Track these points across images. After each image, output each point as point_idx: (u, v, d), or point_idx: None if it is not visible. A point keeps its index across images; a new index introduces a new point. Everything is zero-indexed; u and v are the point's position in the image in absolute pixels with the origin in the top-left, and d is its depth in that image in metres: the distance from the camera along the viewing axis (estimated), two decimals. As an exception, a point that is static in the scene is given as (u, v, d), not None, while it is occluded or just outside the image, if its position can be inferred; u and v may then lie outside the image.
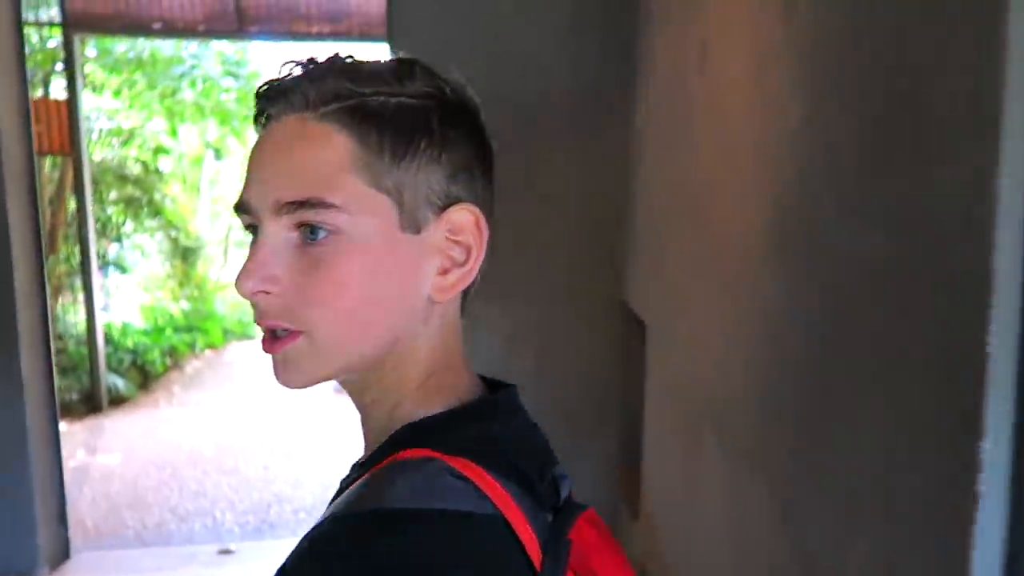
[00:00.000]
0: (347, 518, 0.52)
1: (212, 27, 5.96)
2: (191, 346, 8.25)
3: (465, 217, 0.61)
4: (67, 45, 5.89)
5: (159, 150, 9.08)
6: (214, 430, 5.94)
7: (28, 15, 5.68)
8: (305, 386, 0.62)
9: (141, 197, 8.53)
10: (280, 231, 0.59)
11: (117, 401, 6.50)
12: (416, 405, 0.62)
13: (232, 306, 9.58)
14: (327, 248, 0.58)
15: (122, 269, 8.80)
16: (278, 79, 0.61)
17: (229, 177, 10.94)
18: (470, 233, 0.62)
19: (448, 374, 0.64)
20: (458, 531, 0.53)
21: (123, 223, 8.63)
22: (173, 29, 5.99)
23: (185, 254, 9.33)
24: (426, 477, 0.55)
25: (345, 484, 0.62)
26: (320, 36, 5.89)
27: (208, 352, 8.54)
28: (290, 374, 0.61)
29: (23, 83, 2.84)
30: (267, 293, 0.59)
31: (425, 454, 0.56)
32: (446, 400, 0.63)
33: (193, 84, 8.89)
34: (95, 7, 5.88)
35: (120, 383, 6.63)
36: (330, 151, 0.58)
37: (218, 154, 10.56)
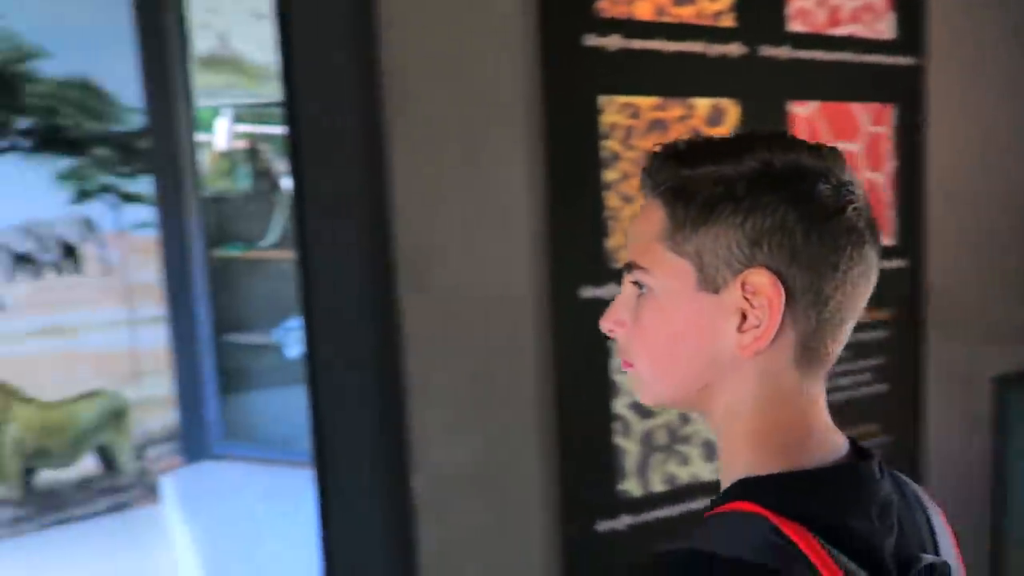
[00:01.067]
0: (672, 553, 0.60)
1: None
2: None
3: (759, 280, 0.63)
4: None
5: None
6: None
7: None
8: (648, 405, 0.76)
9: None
10: (628, 285, 0.70)
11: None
12: (750, 460, 0.65)
13: None
14: (643, 302, 0.68)
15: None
16: (644, 166, 0.70)
17: None
18: (764, 295, 0.63)
19: (782, 435, 0.65)
20: None
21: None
22: None
23: None
24: (746, 530, 0.60)
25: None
26: None
27: None
28: (634, 394, 0.73)
29: None
30: (612, 331, 0.71)
31: (754, 509, 0.60)
32: (780, 460, 0.64)
33: None
34: None
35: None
36: (650, 223, 0.67)
37: None
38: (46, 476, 3.07)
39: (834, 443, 0.66)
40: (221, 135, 3.60)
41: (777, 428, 0.65)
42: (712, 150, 0.67)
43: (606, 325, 0.72)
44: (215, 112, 3.49)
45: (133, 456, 3.21)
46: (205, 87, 3.10)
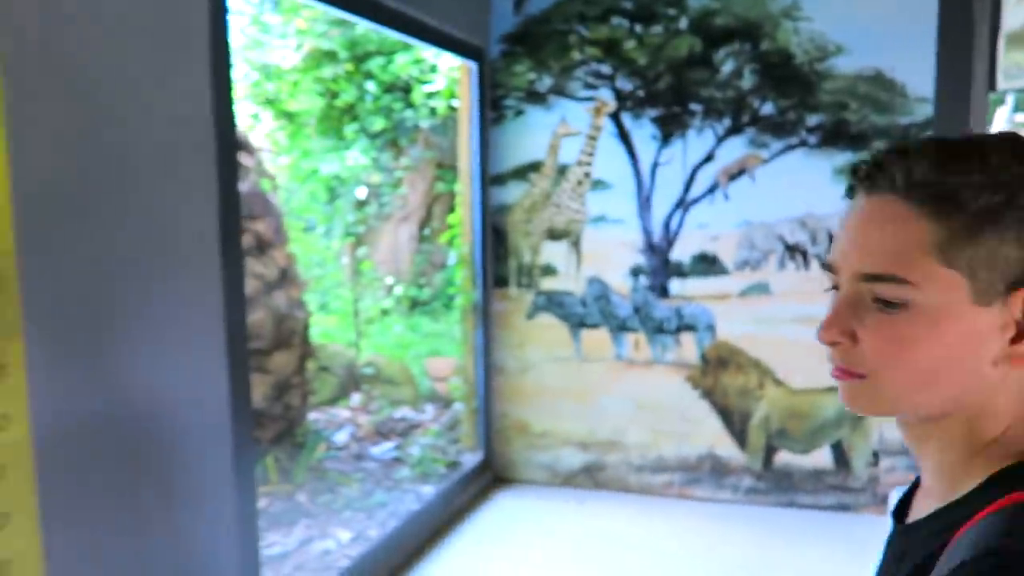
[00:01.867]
0: (989, 557, 0.56)
1: None
2: None
3: None
4: None
5: None
6: None
7: None
8: (865, 415, 0.70)
9: None
10: (857, 295, 0.66)
11: None
12: (1001, 455, 0.64)
13: None
14: (899, 316, 0.64)
15: None
16: (873, 160, 0.66)
17: None
18: None
19: None
20: None
21: None
22: None
23: None
24: None
25: (928, 521, 0.67)
26: None
27: None
28: (850, 403, 0.69)
29: None
30: (839, 343, 0.67)
31: None
32: None
33: None
34: None
35: None
36: (909, 232, 0.63)
37: None
38: (783, 458, 3.22)
39: None
40: (999, 124, 3.18)
41: None
42: (966, 154, 0.63)
43: (830, 336, 0.67)
44: (1001, 99, 3.07)
45: (866, 461, 3.12)
46: (1012, 67, 2.71)
